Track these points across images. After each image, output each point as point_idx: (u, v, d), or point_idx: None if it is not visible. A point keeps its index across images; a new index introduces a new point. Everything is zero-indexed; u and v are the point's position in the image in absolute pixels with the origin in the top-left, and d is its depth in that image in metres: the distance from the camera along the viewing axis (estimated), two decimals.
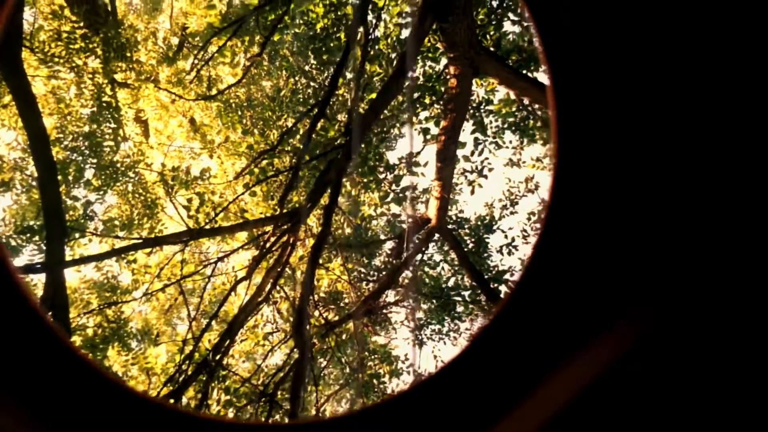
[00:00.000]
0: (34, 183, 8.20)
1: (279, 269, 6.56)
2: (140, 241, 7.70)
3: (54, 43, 7.79)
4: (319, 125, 6.56)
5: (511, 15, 7.36)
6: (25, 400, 0.96)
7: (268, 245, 6.51)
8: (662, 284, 0.99)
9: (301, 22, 7.59)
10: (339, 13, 7.65)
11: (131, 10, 11.73)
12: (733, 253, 0.97)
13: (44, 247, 7.44)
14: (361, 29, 5.85)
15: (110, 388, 1.01)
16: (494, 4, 7.33)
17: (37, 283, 8.08)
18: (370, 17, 6.44)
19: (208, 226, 7.50)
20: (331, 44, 7.92)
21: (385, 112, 7.33)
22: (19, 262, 7.82)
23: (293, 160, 7.46)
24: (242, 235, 8.62)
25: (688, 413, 1.00)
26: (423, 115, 7.94)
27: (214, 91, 8.53)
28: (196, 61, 6.67)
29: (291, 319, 7.88)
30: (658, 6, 0.97)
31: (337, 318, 8.32)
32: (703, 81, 0.97)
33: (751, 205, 0.96)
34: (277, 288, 7.04)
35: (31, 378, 0.97)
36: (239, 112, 8.52)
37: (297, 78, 8.74)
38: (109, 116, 7.96)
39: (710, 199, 0.97)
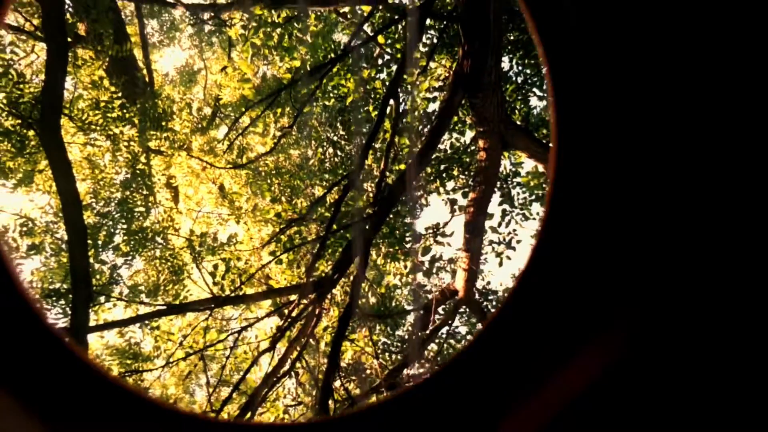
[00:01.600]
0: (63, 246, 8.30)
1: (303, 340, 6.43)
2: (165, 307, 7.67)
3: (92, 112, 8.08)
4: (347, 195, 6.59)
5: (536, 90, 7.48)
6: (24, 400, 0.95)
7: (293, 315, 6.41)
8: (657, 286, 0.99)
9: (332, 95, 7.79)
10: (369, 87, 7.85)
11: (168, 81, 12.22)
12: (723, 258, 0.97)
13: (69, 312, 7.44)
14: (391, 102, 5.95)
15: (110, 389, 1.00)
16: (519, 80, 7.47)
17: None
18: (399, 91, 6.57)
19: (233, 294, 7.44)
20: (359, 116, 8.09)
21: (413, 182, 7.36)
22: None
23: (321, 229, 7.46)
24: (266, 303, 8.53)
25: (680, 413, 0.99)
26: (450, 185, 7.97)
27: (244, 160, 8.70)
28: (229, 132, 6.83)
29: (313, 392, 7.65)
30: (658, 6, 0.97)
31: (359, 391, 8.06)
32: (702, 87, 0.96)
33: (740, 211, 0.96)
34: (300, 359, 6.88)
35: (29, 378, 0.96)
36: (268, 180, 8.64)
37: (325, 148, 8.90)
38: (142, 183, 8.13)
39: (701, 206, 0.98)
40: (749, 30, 0.94)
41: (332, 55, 7.46)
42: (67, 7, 7.34)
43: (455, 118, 7.23)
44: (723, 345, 0.98)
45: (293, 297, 7.09)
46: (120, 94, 7.90)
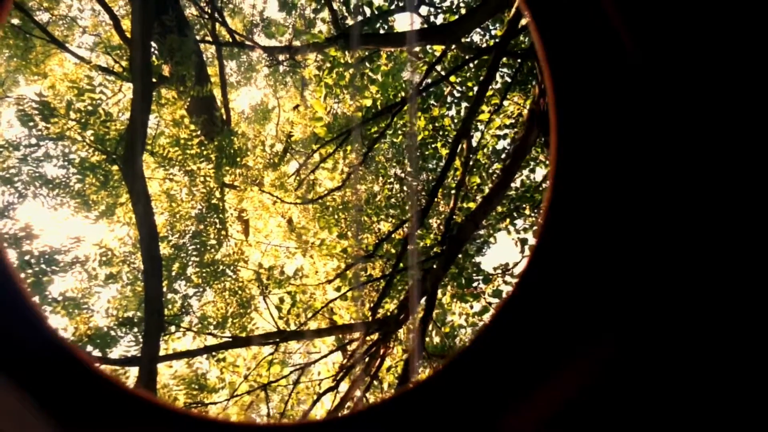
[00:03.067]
0: (140, 276, 8.61)
1: (367, 380, 6.33)
2: (231, 339, 7.78)
3: (172, 148, 8.46)
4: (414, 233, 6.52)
5: None
6: (23, 401, 0.96)
7: (357, 354, 6.34)
8: (657, 286, 1.00)
9: (401, 132, 7.84)
10: (437, 124, 7.86)
11: (243, 119, 12.72)
12: (718, 264, 0.97)
13: (141, 340, 7.66)
14: (464, 142, 5.90)
15: (110, 389, 1.01)
16: None
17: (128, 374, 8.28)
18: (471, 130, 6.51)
19: (297, 329, 7.47)
20: (427, 152, 8.08)
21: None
22: (116, 353, 8.07)
23: (387, 267, 7.41)
24: (330, 338, 8.51)
25: (679, 413, 0.99)
26: (519, 224, 7.78)
27: (312, 195, 8.86)
28: (300, 168, 6.98)
29: None
30: (656, 6, 0.97)
31: None
32: (704, 89, 0.96)
33: (736, 220, 0.96)
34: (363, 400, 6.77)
35: (30, 379, 0.97)
36: (335, 216, 8.73)
37: (392, 184, 8.92)
38: (216, 217, 8.39)
39: (699, 212, 0.98)
40: (745, 37, 0.94)
41: (402, 93, 7.53)
42: (153, 50, 7.78)
43: (528, 157, 7.09)
44: (718, 347, 0.98)
45: (357, 334, 7.04)
46: (199, 132, 8.24)
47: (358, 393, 6.51)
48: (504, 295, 7.16)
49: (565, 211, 1.02)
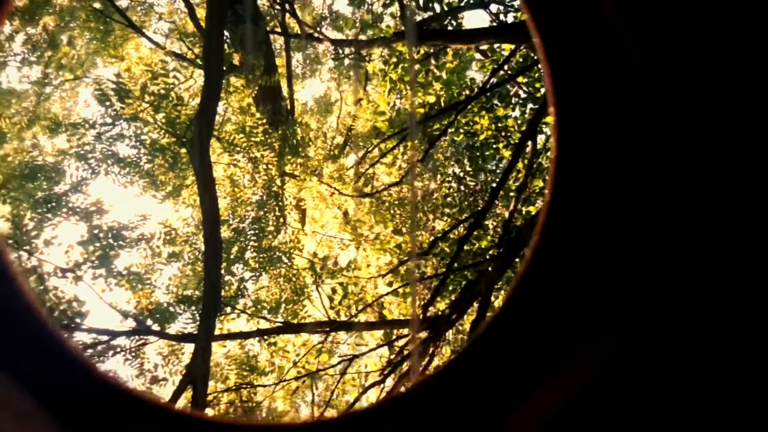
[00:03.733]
0: (200, 257, 8.90)
1: (413, 378, 6.34)
2: (283, 325, 7.96)
3: (238, 135, 8.70)
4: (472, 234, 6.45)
5: None
6: (24, 401, 0.97)
7: (405, 352, 6.36)
8: (655, 288, 0.99)
9: (462, 131, 7.77)
10: (500, 124, 7.73)
11: (306, 110, 12.92)
12: (715, 267, 0.97)
13: (198, 318, 7.94)
14: (529, 143, 5.80)
15: (110, 389, 1.02)
16: None
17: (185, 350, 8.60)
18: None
19: (348, 320, 7.56)
20: (487, 152, 7.97)
21: None
22: (173, 329, 8.41)
23: (440, 265, 7.38)
24: (378, 332, 8.57)
25: (677, 413, 0.99)
26: None
27: (370, 189, 8.92)
28: (360, 162, 7.04)
29: None
30: (656, 6, 0.96)
31: None
32: (705, 89, 0.95)
33: (735, 227, 0.96)
34: None
35: (30, 379, 0.98)
36: (391, 211, 8.76)
37: (450, 182, 8.85)
38: (275, 204, 8.57)
39: (698, 216, 0.97)
40: (745, 37, 0.93)
41: (467, 92, 7.45)
42: (225, 38, 7.99)
43: None
44: (718, 346, 0.98)
45: (407, 331, 7.06)
46: (264, 121, 8.44)
47: (403, 390, 6.53)
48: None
49: (565, 211, 1.02)
